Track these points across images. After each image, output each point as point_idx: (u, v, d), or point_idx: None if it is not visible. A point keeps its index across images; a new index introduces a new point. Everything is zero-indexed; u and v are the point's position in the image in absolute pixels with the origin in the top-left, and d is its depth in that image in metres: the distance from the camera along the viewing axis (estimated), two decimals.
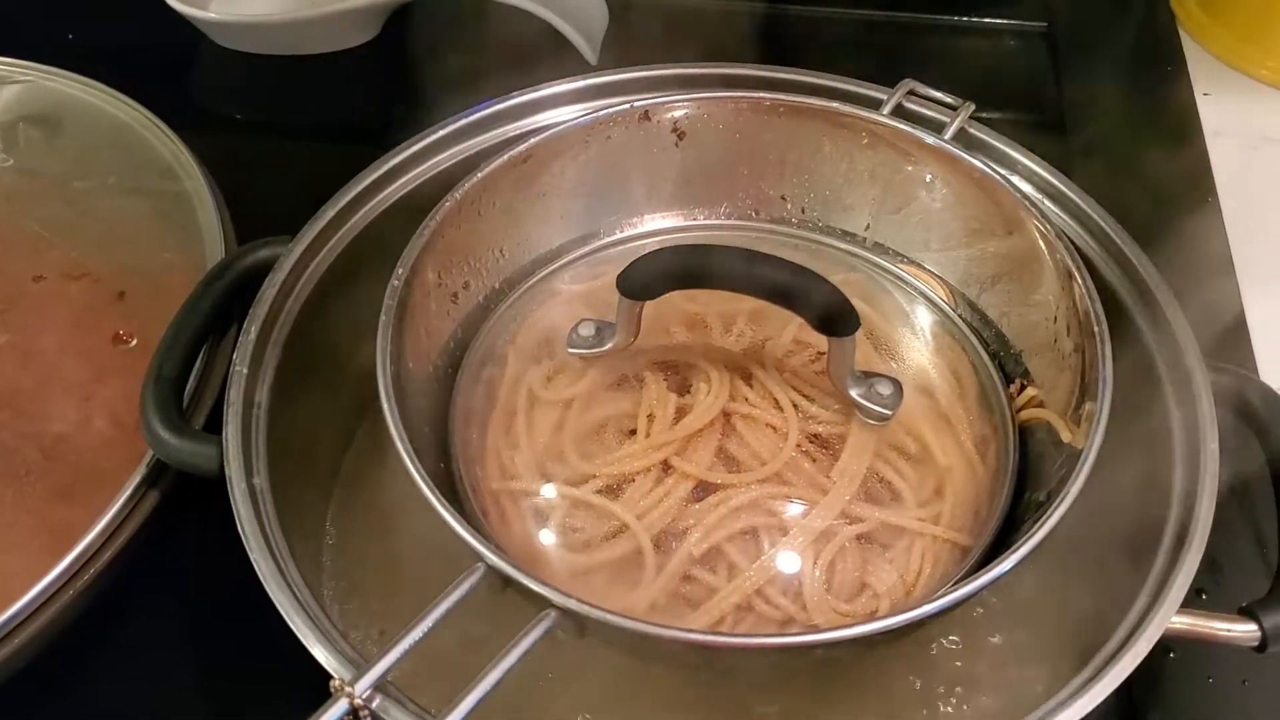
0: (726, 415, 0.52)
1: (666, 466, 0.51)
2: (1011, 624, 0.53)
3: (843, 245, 0.61)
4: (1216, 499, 0.60)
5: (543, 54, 0.85)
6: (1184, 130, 0.81)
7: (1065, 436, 0.49)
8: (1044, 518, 0.43)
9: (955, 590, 0.43)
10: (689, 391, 0.53)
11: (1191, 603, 0.57)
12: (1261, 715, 0.54)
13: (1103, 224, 0.55)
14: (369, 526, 0.59)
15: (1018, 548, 0.42)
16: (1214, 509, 0.46)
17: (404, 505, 0.56)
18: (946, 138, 0.56)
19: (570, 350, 0.54)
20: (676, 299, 0.56)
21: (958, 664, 0.52)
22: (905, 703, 0.51)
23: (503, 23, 0.84)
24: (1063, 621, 0.51)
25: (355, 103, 0.88)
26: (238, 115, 0.88)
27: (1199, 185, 0.77)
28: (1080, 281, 0.49)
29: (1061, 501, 0.43)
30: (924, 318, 0.58)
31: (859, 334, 0.53)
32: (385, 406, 0.47)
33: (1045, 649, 0.51)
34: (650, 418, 0.52)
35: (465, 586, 0.43)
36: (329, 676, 0.41)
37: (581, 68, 0.82)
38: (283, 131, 0.86)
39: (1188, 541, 0.45)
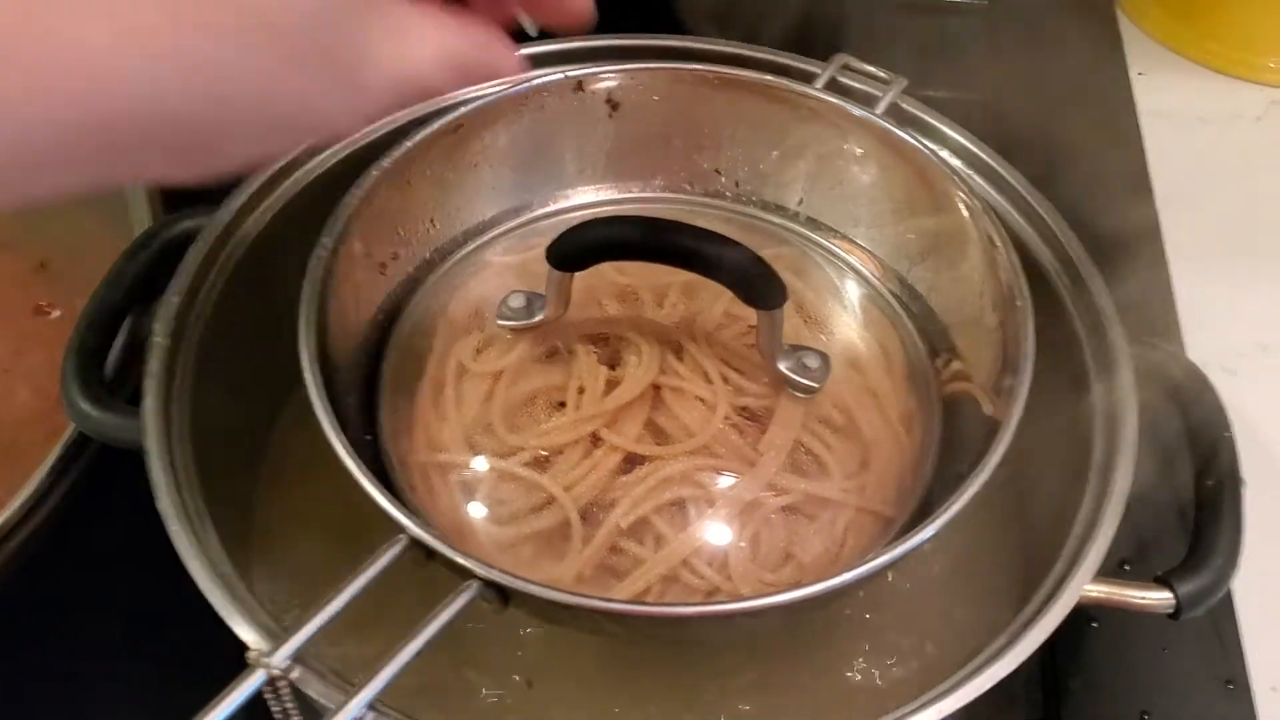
0: (656, 388, 0.52)
1: (595, 439, 0.51)
2: (934, 591, 0.53)
3: (776, 219, 0.61)
4: (1142, 473, 0.62)
5: None
6: (1119, 110, 0.82)
7: (988, 409, 0.49)
8: (962, 489, 0.43)
9: (875, 559, 0.43)
10: (619, 364, 0.53)
11: (1115, 573, 0.58)
12: (1180, 681, 0.55)
13: (1030, 200, 0.55)
14: (299, 500, 0.59)
15: (934, 519, 0.43)
16: (1131, 481, 0.46)
17: (333, 478, 0.55)
18: (878, 112, 0.56)
19: (500, 322, 0.53)
20: (608, 271, 0.56)
21: (882, 630, 0.53)
22: (830, 667, 0.52)
23: None
24: (984, 589, 0.52)
25: None
26: None
27: (1132, 165, 0.78)
28: (1004, 254, 0.50)
29: (979, 473, 0.44)
30: (854, 292, 0.58)
31: (789, 308, 0.53)
32: (308, 377, 0.47)
33: (966, 615, 0.52)
34: (580, 390, 0.52)
35: (387, 557, 0.43)
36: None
37: (520, 36, 0.82)
38: None
39: (1103, 512, 0.45)
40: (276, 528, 0.58)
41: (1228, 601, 0.57)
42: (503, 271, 0.58)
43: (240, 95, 0.26)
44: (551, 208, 0.61)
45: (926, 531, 0.43)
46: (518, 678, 0.54)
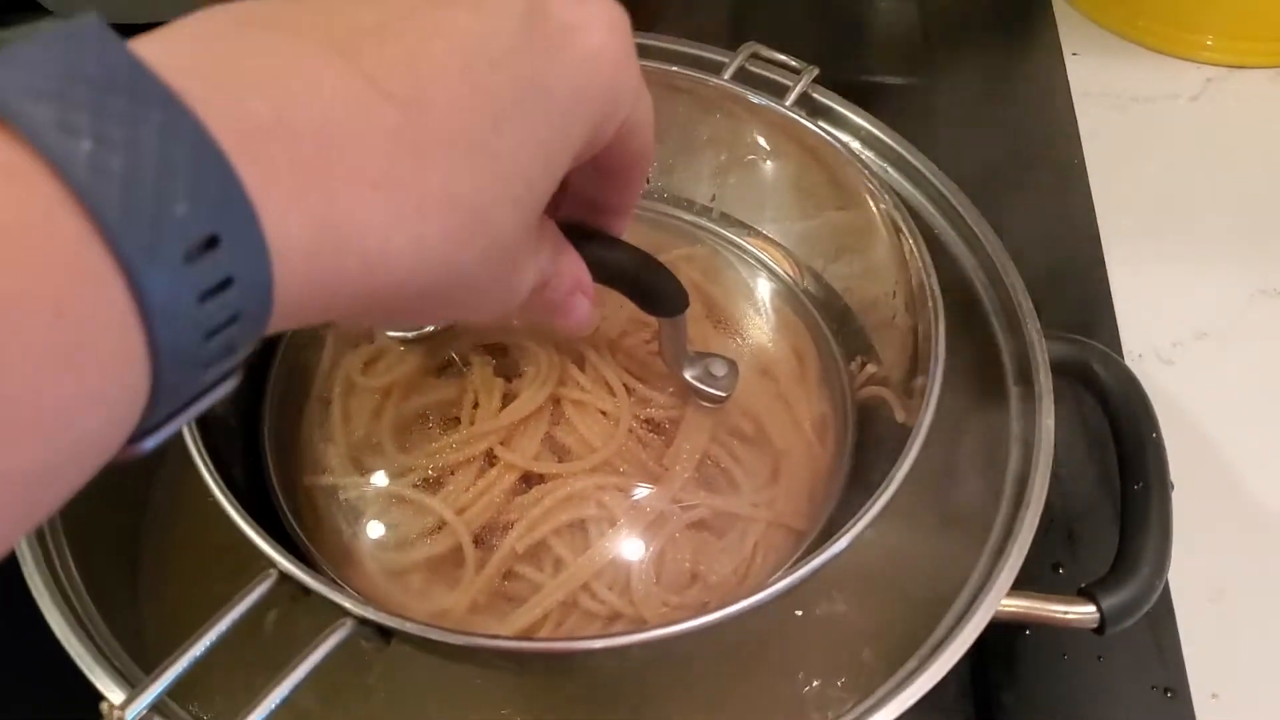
0: (556, 401, 0.49)
1: (491, 457, 0.48)
2: (849, 608, 0.51)
3: (689, 217, 0.59)
4: (1075, 473, 0.60)
5: None
6: (1052, 91, 0.79)
7: (900, 415, 0.47)
8: (872, 501, 0.41)
9: (781, 580, 0.40)
10: (517, 376, 0.50)
11: (1048, 578, 0.56)
12: (1115, 690, 0.53)
13: (945, 192, 0.53)
14: (193, 533, 0.55)
15: (842, 534, 0.40)
16: (1047, 490, 0.44)
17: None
18: (788, 103, 0.54)
19: (389, 333, 0.50)
20: None
21: (795, 649, 0.50)
22: (737, 689, 0.50)
23: None
24: (902, 604, 0.50)
25: None
26: None
27: (1066, 147, 0.76)
28: (913, 249, 0.47)
29: (889, 484, 0.41)
30: (767, 293, 0.55)
31: (698, 312, 0.51)
32: None
33: (884, 633, 0.50)
34: (475, 405, 0.49)
35: (255, 594, 0.40)
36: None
37: None
38: None
39: (1019, 523, 0.43)
40: (169, 566, 0.54)
41: (1167, 606, 0.55)
42: None
43: (460, 289, 0.30)
44: None
45: (835, 547, 0.41)
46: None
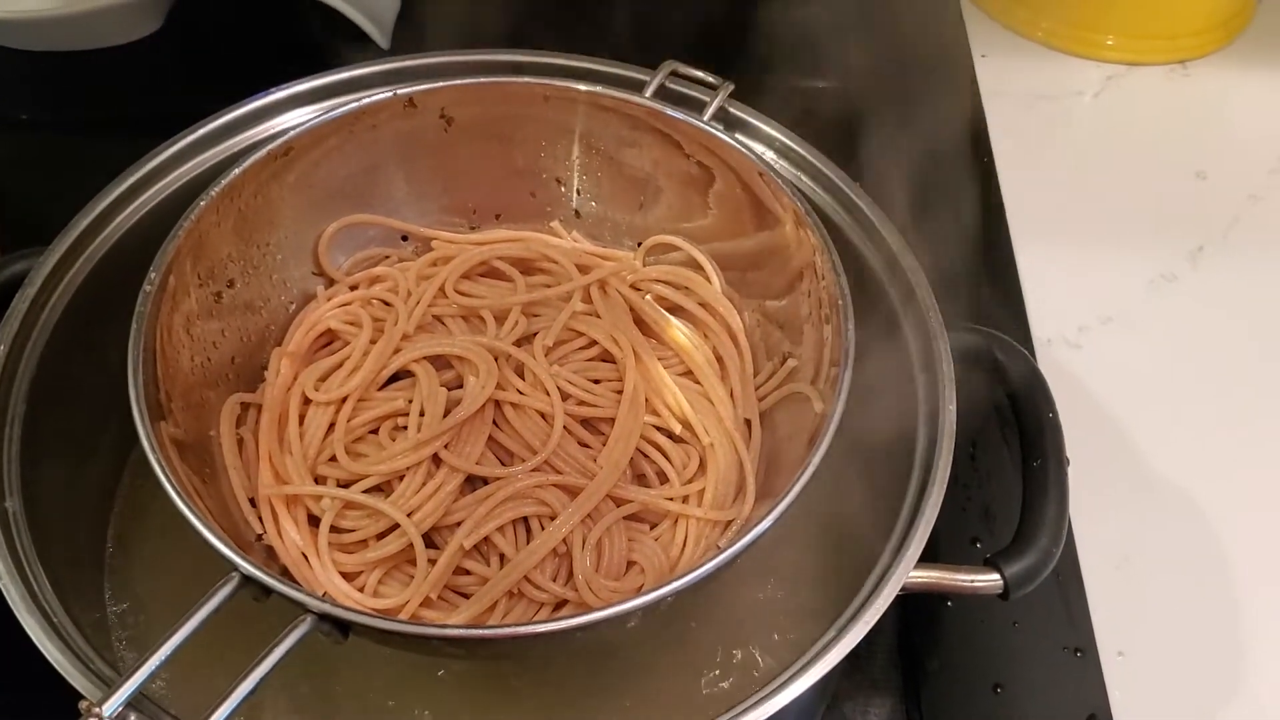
0: (498, 405, 0.53)
1: (437, 461, 0.51)
2: (773, 586, 0.54)
3: (616, 230, 0.62)
4: (991, 454, 0.64)
5: (337, 41, 0.83)
6: (962, 92, 0.83)
7: (818, 406, 0.50)
8: (794, 481, 0.44)
9: (710, 561, 0.43)
10: (461, 385, 0.53)
11: (966, 551, 0.60)
12: (1029, 652, 0.57)
13: (854, 196, 0.56)
14: (157, 543, 0.57)
15: (765, 516, 0.43)
16: (949, 470, 0.47)
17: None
18: (705, 118, 0.57)
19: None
20: (451, 293, 0.56)
21: (721, 625, 0.53)
22: (670, 667, 0.53)
23: (292, 10, 0.82)
24: (822, 579, 0.54)
25: (140, 97, 0.85)
26: (20, 115, 0.85)
27: (976, 145, 0.80)
28: (824, 252, 0.51)
29: (804, 471, 0.44)
30: (692, 300, 0.58)
31: (625, 319, 0.54)
32: (136, 415, 0.46)
33: (806, 606, 0.53)
34: (421, 413, 0.52)
35: (219, 596, 0.42)
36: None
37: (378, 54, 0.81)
38: (64, 131, 0.83)
39: (925, 501, 0.46)
40: (133, 573, 0.56)
41: (1075, 573, 0.59)
42: (343, 295, 0.58)
43: None
44: (395, 225, 0.61)
45: (760, 527, 0.44)
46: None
